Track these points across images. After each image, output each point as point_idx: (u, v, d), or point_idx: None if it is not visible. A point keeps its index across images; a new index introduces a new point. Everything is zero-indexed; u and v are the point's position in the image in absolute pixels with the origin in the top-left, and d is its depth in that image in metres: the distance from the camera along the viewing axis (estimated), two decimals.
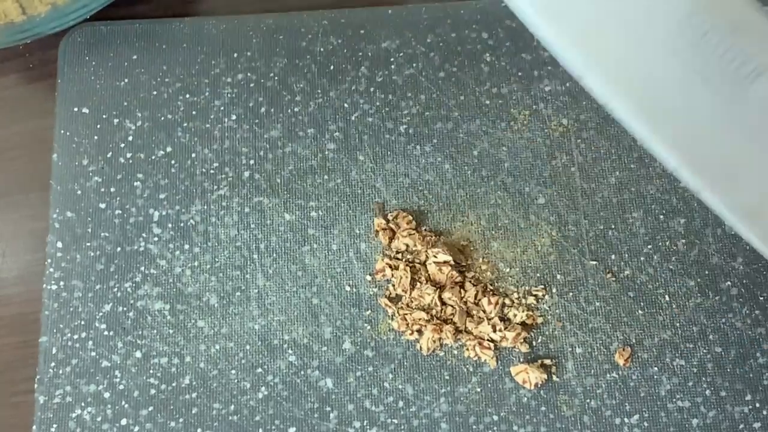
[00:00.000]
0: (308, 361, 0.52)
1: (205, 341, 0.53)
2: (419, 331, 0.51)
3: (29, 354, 0.50)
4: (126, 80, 0.56)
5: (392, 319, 0.52)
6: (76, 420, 0.52)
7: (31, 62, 0.55)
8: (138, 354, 0.53)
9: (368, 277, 0.53)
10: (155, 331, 0.54)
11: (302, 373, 0.52)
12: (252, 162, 0.56)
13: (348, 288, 0.54)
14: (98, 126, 0.55)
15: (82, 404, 0.52)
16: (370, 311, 0.53)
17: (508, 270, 0.53)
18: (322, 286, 0.54)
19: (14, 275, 0.51)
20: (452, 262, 0.52)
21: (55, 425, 0.52)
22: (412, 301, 0.52)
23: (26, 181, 0.53)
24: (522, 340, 0.51)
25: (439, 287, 0.52)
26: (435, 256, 0.52)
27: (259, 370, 0.52)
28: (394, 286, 0.52)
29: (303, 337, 0.53)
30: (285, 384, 0.52)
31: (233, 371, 0.53)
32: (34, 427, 0.50)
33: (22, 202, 0.52)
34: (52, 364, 0.53)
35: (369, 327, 0.52)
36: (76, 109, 0.56)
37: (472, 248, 0.54)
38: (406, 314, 0.52)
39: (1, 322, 0.50)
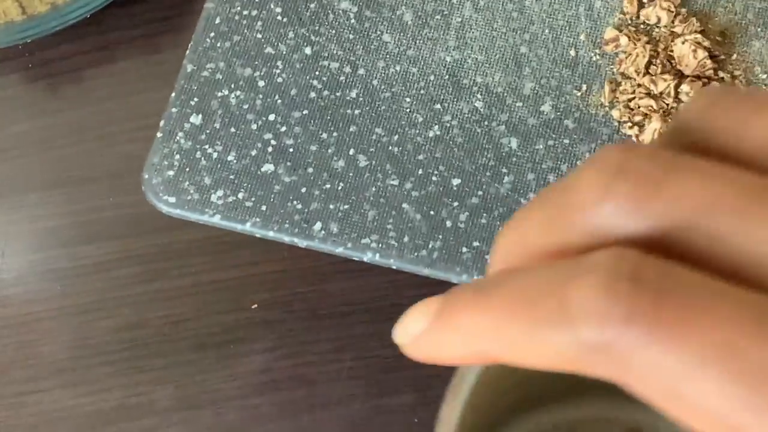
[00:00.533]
0: (497, 112, 0.50)
1: (385, 58, 0.51)
2: (639, 124, 0.49)
3: (29, 354, 0.51)
4: None
5: (613, 105, 0.50)
6: (221, 100, 0.51)
7: (30, 62, 0.57)
8: (308, 50, 0.52)
9: (593, 41, 0.52)
10: (334, 31, 0.52)
11: (486, 123, 0.50)
12: None
13: (566, 46, 0.51)
14: None
15: (232, 86, 0.51)
16: (584, 79, 0.50)
17: (764, 77, 0.49)
18: (536, 35, 0.51)
19: (14, 276, 0.52)
20: (710, 48, 0.49)
21: (196, 99, 0.51)
22: (638, 87, 0.49)
23: (26, 181, 0.54)
24: None
25: (678, 77, 0.48)
26: (693, 34, 0.50)
27: (438, 106, 0.50)
28: (623, 62, 0.50)
29: (498, 84, 0.50)
30: (463, 130, 0.50)
31: (408, 99, 0.50)
32: (173, 94, 0.50)
33: (22, 202, 0.54)
34: (212, 34, 0.53)
35: (578, 95, 0.50)
36: None
37: (727, 41, 0.50)
38: (631, 99, 0.49)
39: (1, 323, 0.51)
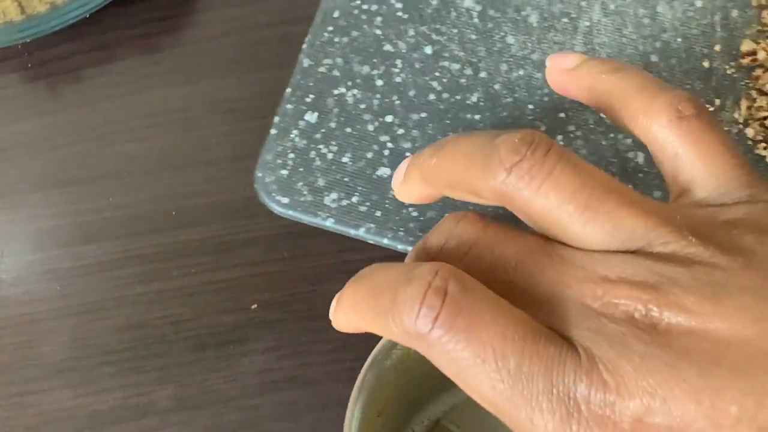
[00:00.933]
0: None
1: (509, 61, 0.55)
2: None
3: (29, 355, 0.55)
4: None
5: (747, 123, 0.51)
6: (337, 98, 0.55)
7: (30, 62, 0.65)
8: (428, 50, 0.56)
9: (728, 53, 0.53)
10: (456, 31, 0.56)
11: (612, 135, 0.52)
12: None
13: (699, 57, 0.54)
14: None
15: (349, 84, 0.55)
16: (717, 93, 0.53)
17: None
18: (668, 43, 0.55)
19: (13, 276, 0.58)
20: None
21: (312, 95, 0.55)
22: None
23: (26, 181, 0.61)
24: None
25: None
26: None
27: (562, 115, 0.53)
28: (761, 77, 0.52)
29: None
30: (587, 141, 0.52)
31: (531, 106, 0.54)
32: (288, 89, 0.56)
33: (22, 202, 0.60)
34: (330, 28, 0.57)
35: (711, 110, 0.53)
36: None
37: None
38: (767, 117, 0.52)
39: (1, 324, 0.56)
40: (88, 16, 0.63)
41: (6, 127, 0.63)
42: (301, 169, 0.53)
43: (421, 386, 0.45)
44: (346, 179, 0.52)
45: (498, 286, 0.30)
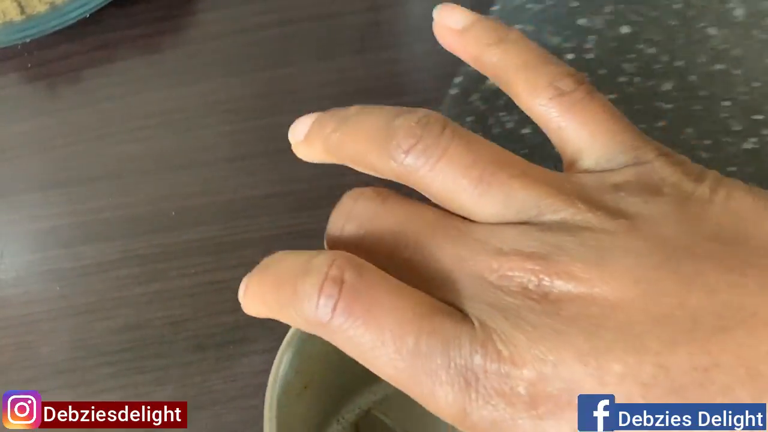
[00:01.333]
0: None
1: (708, 53, 0.52)
2: None
3: (29, 355, 0.55)
4: None
5: None
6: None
7: (29, 62, 0.65)
8: (625, 29, 0.53)
9: None
10: (656, 14, 0.54)
11: None
12: None
13: None
14: None
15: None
16: None
17: None
18: None
19: (13, 276, 0.57)
20: None
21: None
22: None
23: (26, 181, 0.61)
24: None
25: None
26: None
27: (759, 117, 0.50)
28: None
29: None
30: None
31: (725, 103, 0.51)
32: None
33: (22, 202, 0.60)
34: None
35: None
36: None
37: None
38: None
39: (0, 324, 0.56)
40: (88, 16, 0.63)
41: (6, 127, 0.63)
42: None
43: (353, 369, 0.44)
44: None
45: (398, 264, 0.31)
